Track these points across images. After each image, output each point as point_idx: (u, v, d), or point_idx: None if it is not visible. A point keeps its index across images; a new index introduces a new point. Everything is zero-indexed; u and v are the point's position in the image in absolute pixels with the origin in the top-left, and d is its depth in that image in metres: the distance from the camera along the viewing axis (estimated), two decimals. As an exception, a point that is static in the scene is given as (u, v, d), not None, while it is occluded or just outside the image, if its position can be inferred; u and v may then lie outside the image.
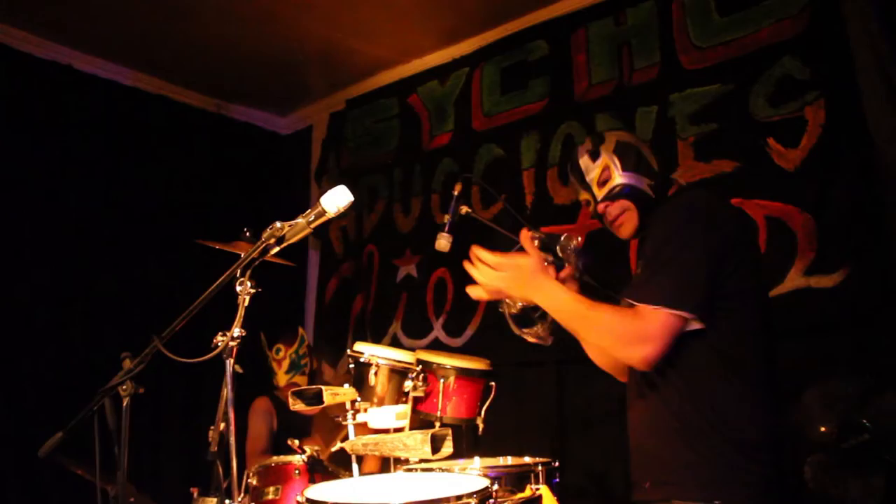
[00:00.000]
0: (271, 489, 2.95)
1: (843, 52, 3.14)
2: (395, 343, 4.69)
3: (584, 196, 2.34)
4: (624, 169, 2.22)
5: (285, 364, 4.09)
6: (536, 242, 2.24)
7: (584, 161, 2.30)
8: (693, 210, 2.02)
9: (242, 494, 2.88)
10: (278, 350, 4.09)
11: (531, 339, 2.37)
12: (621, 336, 1.94)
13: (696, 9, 3.67)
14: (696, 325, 1.91)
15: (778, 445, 1.96)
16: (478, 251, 2.14)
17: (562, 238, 2.36)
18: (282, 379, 4.07)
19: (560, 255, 2.35)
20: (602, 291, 2.31)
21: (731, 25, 3.53)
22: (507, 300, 2.25)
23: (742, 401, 1.95)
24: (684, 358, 1.97)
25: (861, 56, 3.05)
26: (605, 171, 2.24)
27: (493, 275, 2.12)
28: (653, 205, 2.21)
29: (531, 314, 2.31)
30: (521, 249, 2.18)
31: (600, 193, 2.26)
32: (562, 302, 2.06)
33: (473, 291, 2.19)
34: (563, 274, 2.34)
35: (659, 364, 1.96)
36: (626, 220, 2.25)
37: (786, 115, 3.30)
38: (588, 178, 2.28)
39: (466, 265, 2.17)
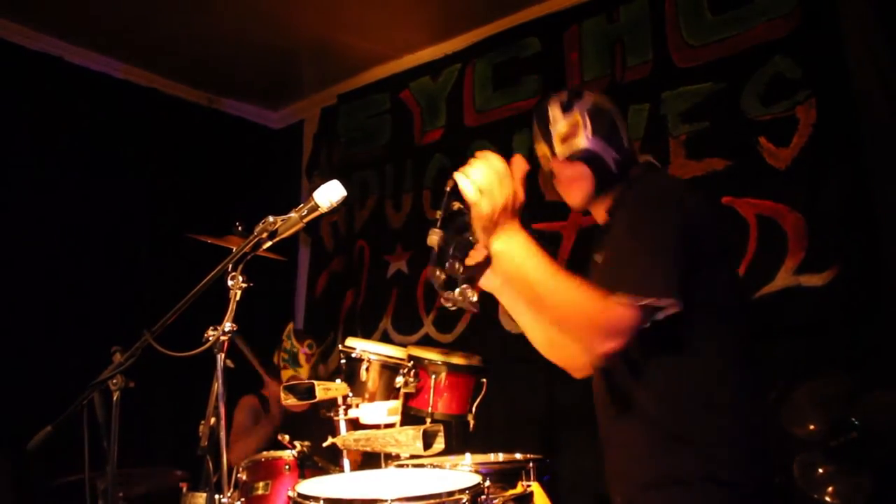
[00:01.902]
0: (261, 484, 2.94)
1: (835, 52, 3.16)
2: (386, 339, 4.68)
3: (540, 148, 2.11)
4: (594, 133, 2.01)
5: (313, 360, 4.13)
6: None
7: (553, 111, 2.06)
8: (665, 193, 1.89)
9: (232, 489, 2.87)
10: (311, 345, 4.11)
11: (451, 305, 1.99)
12: (591, 321, 1.70)
13: (688, 7, 3.68)
14: (672, 310, 1.71)
15: (755, 451, 1.82)
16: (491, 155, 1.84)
17: None
18: (305, 373, 4.11)
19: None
20: None
21: (723, 24, 3.54)
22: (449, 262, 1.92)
23: (715, 407, 1.81)
24: (656, 365, 1.84)
25: (856, 53, 3.07)
26: (572, 128, 2.02)
27: (493, 180, 1.77)
28: (612, 180, 2.03)
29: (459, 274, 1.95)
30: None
31: (561, 151, 2.04)
32: (530, 256, 1.75)
33: (461, 179, 1.82)
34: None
35: (629, 378, 1.87)
36: (578, 188, 2.06)
37: (777, 114, 3.32)
38: (552, 129, 2.05)
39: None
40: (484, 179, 1.77)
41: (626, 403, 1.93)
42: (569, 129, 2.03)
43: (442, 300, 1.95)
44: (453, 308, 1.99)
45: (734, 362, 1.85)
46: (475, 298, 1.89)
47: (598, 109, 2.04)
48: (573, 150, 2.03)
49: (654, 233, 1.78)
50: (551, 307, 1.77)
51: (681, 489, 1.80)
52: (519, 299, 2.05)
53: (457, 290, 1.91)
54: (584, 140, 2.02)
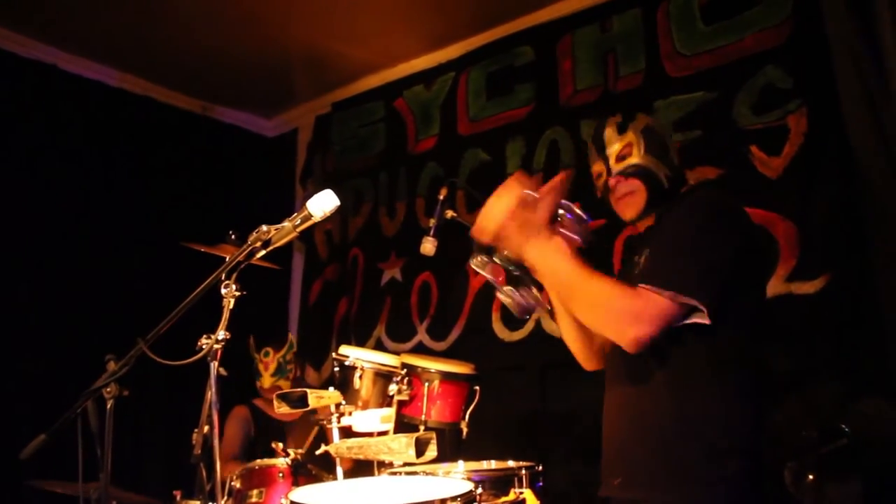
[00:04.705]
0: (255, 492, 2.95)
1: (825, 62, 3.18)
2: (379, 346, 4.68)
3: (596, 167, 2.27)
4: (646, 151, 2.17)
5: (272, 367, 4.10)
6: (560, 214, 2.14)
7: (609, 132, 2.23)
8: (718, 206, 2.03)
9: (226, 497, 2.87)
10: (266, 353, 4.11)
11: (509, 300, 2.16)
12: (615, 312, 1.87)
13: (681, 17, 3.70)
14: (699, 319, 1.86)
15: (756, 453, 1.94)
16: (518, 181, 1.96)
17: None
18: (266, 381, 4.08)
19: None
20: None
21: (715, 34, 3.57)
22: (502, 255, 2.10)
23: (727, 406, 1.94)
24: (678, 355, 1.94)
25: (841, 63, 3.10)
26: (627, 147, 2.18)
27: (502, 214, 1.91)
28: (664, 195, 2.16)
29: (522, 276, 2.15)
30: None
31: (616, 167, 2.19)
32: (558, 264, 1.93)
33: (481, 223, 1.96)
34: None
35: (650, 357, 1.94)
36: (633, 201, 2.19)
37: (768, 123, 3.34)
38: (608, 150, 2.21)
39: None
40: (486, 211, 1.94)
41: (630, 389, 2.07)
42: (623, 148, 2.19)
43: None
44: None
45: (742, 381, 1.98)
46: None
47: (650, 130, 2.20)
48: (627, 167, 2.17)
49: (703, 241, 1.94)
50: (583, 301, 1.95)
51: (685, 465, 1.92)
52: (557, 301, 2.23)
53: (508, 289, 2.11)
54: (637, 157, 2.17)
